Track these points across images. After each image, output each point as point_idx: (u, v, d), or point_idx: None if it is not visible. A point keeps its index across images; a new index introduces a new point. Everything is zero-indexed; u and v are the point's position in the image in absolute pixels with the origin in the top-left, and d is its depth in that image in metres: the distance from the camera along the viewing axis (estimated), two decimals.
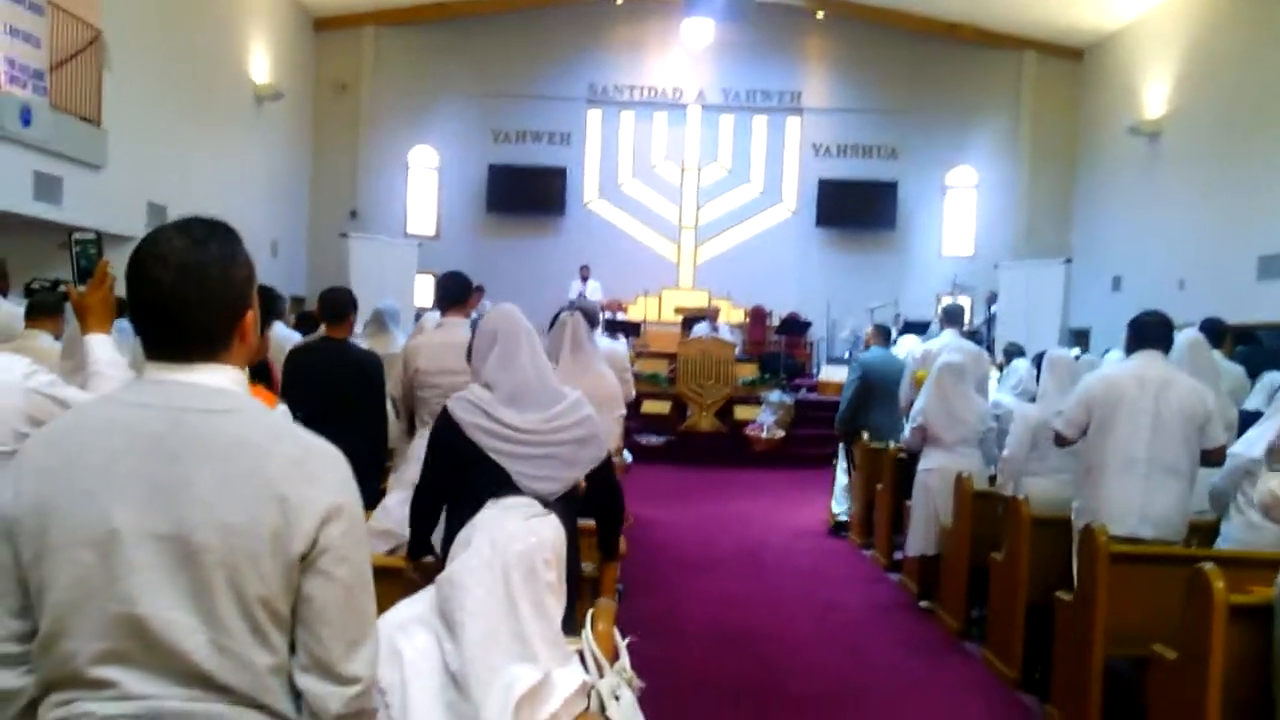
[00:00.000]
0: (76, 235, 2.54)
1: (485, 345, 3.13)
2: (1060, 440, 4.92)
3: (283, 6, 15.63)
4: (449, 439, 3.06)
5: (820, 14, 17.43)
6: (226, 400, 1.60)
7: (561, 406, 3.11)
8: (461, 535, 2.14)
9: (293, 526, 1.54)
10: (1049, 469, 5.47)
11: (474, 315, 5.33)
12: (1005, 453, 5.63)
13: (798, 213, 18.14)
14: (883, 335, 9.06)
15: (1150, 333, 4.76)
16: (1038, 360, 6.29)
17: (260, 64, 14.63)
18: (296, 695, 1.60)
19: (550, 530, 2.17)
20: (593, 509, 3.30)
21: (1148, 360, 4.68)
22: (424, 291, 14.92)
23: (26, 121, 8.75)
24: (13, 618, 1.55)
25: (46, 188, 9.26)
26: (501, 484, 2.92)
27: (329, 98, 17.29)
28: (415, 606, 2.17)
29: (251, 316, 1.67)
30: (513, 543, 2.05)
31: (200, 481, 1.52)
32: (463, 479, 3.03)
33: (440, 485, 3.12)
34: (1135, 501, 4.54)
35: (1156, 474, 4.54)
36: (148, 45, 11.24)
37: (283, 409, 2.65)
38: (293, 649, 1.59)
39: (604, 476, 3.22)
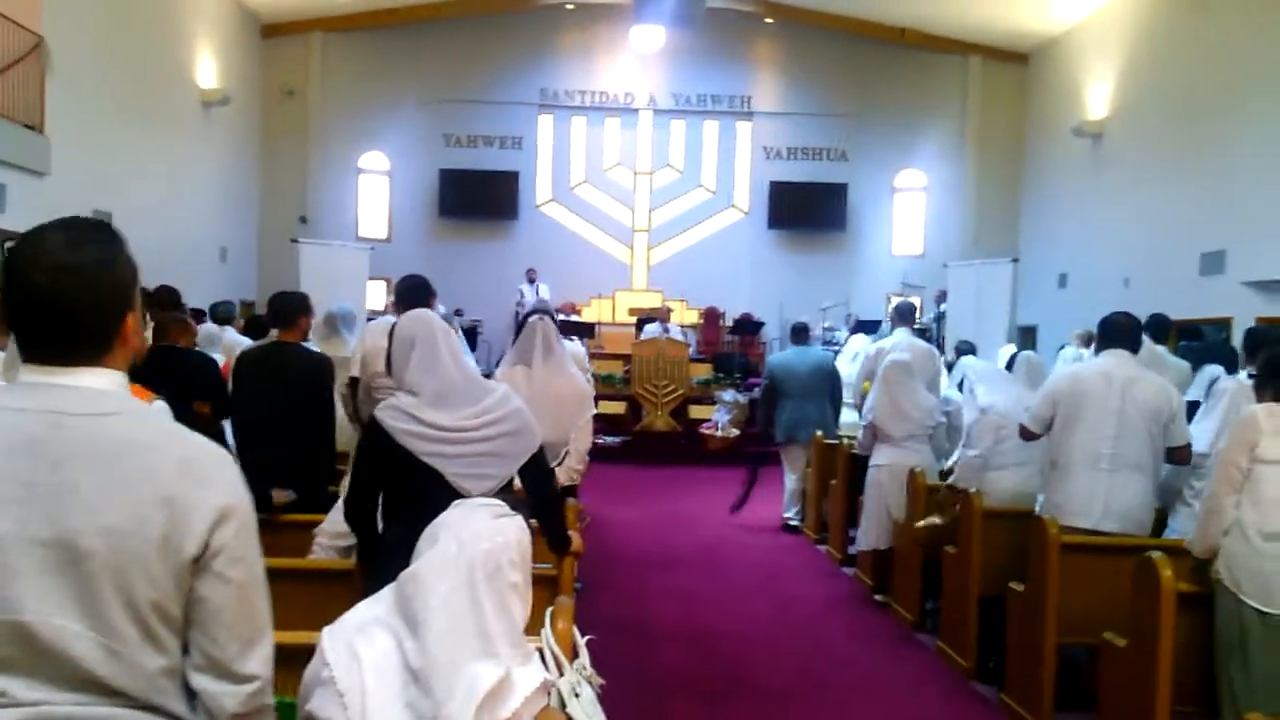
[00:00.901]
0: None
1: (404, 351, 3.13)
2: (1025, 434, 5.00)
3: (229, 12, 15.43)
4: (380, 448, 3.04)
5: (769, 19, 17.55)
6: (110, 402, 1.57)
7: (491, 400, 3.12)
8: (428, 533, 2.13)
9: (183, 528, 1.52)
10: (1011, 462, 5.54)
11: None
12: (972, 453, 5.60)
13: (750, 215, 18.27)
14: (797, 334, 9.25)
15: (1119, 332, 4.84)
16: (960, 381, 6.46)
17: (207, 70, 14.44)
18: (191, 695, 1.58)
19: (516, 531, 2.16)
20: (530, 502, 3.27)
21: (1115, 359, 4.76)
22: (376, 296, 14.80)
23: None
24: None
25: None
26: (436, 487, 2.92)
27: (277, 103, 17.08)
28: (374, 608, 2.15)
29: (133, 319, 1.63)
30: (479, 541, 2.05)
31: (84, 486, 1.49)
32: (396, 486, 3.02)
33: (371, 494, 3.11)
34: (1099, 497, 4.62)
35: (1120, 470, 4.61)
36: (91, 51, 11.05)
37: (160, 405, 2.58)
38: (186, 649, 1.58)
39: (536, 465, 3.23)
